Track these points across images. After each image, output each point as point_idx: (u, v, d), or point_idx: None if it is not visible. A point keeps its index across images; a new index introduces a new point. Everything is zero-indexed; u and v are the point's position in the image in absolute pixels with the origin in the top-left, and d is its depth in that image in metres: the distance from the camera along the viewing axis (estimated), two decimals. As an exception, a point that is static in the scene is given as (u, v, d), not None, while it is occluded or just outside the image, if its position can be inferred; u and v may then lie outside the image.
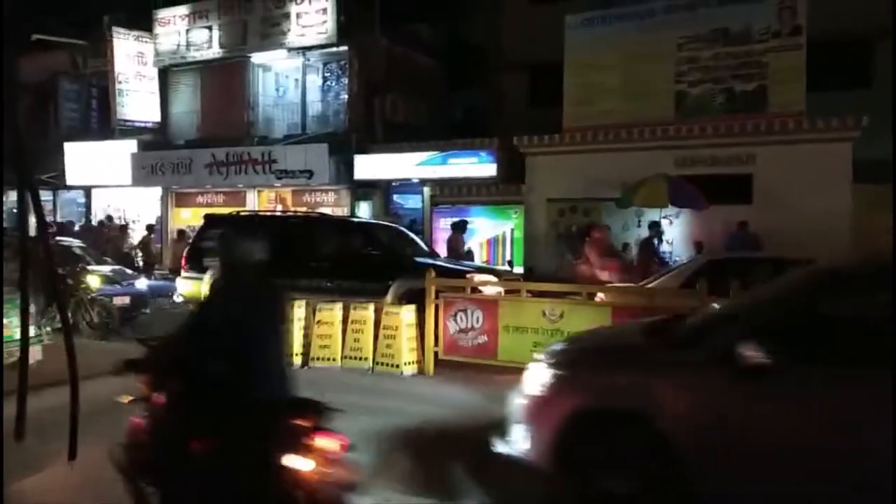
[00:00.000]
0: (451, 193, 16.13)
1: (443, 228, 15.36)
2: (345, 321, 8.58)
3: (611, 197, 13.34)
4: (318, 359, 8.51)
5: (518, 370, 7.87)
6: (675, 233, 13.40)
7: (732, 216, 12.41)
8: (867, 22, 13.68)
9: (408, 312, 8.27)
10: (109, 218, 19.18)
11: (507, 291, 9.02)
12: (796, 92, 12.80)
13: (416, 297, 8.60)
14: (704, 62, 13.70)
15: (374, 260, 9.93)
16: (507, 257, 15.31)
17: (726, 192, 12.62)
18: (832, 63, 13.32)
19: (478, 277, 9.47)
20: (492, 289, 9.06)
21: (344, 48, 17.22)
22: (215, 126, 19.08)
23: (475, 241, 15.20)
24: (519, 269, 14.00)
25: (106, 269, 12.06)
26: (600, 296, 8.38)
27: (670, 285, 8.22)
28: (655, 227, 12.74)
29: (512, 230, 15.51)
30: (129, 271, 12.79)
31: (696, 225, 13.12)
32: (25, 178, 4.96)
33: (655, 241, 12.68)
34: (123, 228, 17.96)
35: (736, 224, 12.27)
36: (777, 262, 8.60)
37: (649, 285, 8.98)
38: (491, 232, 15.69)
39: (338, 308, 8.63)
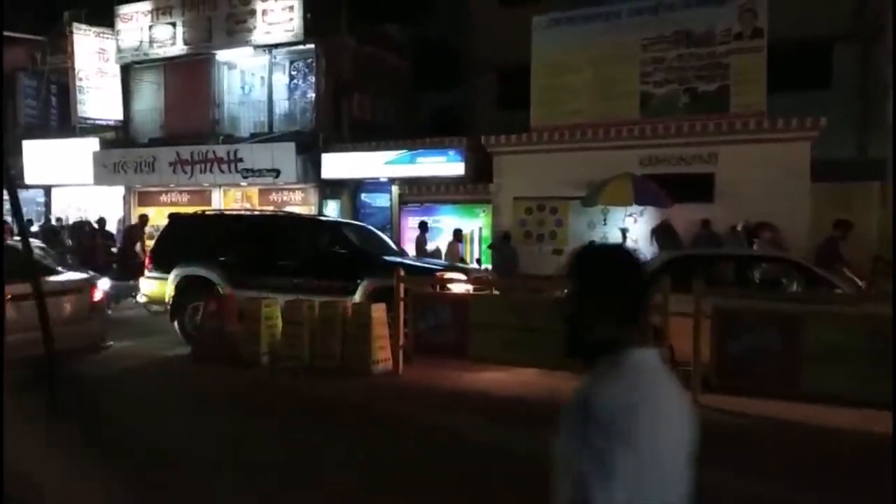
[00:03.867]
0: (420, 192, 16.15)
1: (412, 227, 15.37)
2: (313, 320, 8.54)
3: (577, 195, 13.49)
4: (286, 357, 8.46)
5: (488, 367, 8.00)
6: (640, 231, 13.59)
7: (695, 214, 12.66)
8: (826, 25, 14.07)
9: (378, 310, 8.27)
10: (59, 220, 18.70)
11: (475, 289, 9.07)
12: (757, 92, 13.09)
13: (385, 296, 8.60)
14: (669, 63, 13.92)
15: (343, 259, 9.89)
16: (476, 255, 15.38)
17: (689, 191, 12.86)
18: (792, 64, 13.65)
19: (447, 276, 9.50)
20: (460, 286, 9.10)
21: (311, 46, 17.10)
22: (180, 124, 18.80)
23: (443, 240, 15.23)
24: (487, 267, 14.07)
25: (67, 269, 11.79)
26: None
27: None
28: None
29: (480, 228, 15.59)
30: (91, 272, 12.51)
31: (660, 223, 13.31)
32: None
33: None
34: (82, 226, 17.51)
35: (699, 222, 12.51)
36: (738, 259, 8.80)
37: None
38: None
39: (305, 307, 8.58)
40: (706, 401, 6.69)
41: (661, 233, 12.66)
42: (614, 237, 13.71)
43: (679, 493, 1.51)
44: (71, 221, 18.54)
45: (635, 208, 13.00)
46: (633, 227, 13.49)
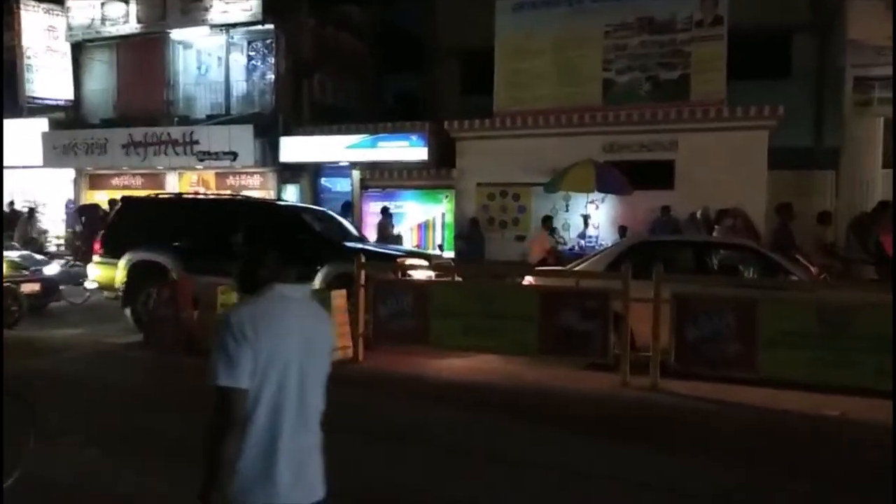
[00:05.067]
0: (382, 177, 15.96)
1: (373, 213, 15.20)
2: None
3: (540, 181, 13.46)
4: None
5: (449, 354, 7.93)
6: (601, 217, 13.66)
7: (656, 201, 12.75)
8: (786, 15, 14.25)
9: (337, 297, 8.11)
10: (11, 204, 18.01)
11: (437, 275, 8.98)
12: (718, 81, 13.21)
13: (345, 282, 8.45)
14: (631, 50, 13.95)
15: (302, 244, 9.69)
16: (438, 241, 15.29)
17: (650, 178, 12.95)
18: (752, 53, 13.80)
19: (408, 262, 9.40)
20: (422, 273, 9.00)
21: (270, 26, 16.69)
22: (133, 105, 18.23)
23: (405, 226, 15.11)
24: (450, 254, 13.99)
25: (13, 254, 11.37)
26: (528, 279, 8.45)
27: (597, 268, 8.34)
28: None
29: (443, 214, 15.49)
30: (38, 257, 12.09)
31: (622, 210, 13.41)
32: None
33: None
34: (31, 212, 16.98)
35: (659, 208, 12.61)
36: (697, 245, 8.87)
37: (576, 268, 9.10)
38: (422, 216, 15.61)
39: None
40: (665, 385, 6.73)
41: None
42: (576, 223, 13.77)
43: (294, 394, 2.08)
44: (21, 206, 17.84)
45: (597, 195, 13.04)
46: (594, 214, 13.55)
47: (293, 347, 2.09)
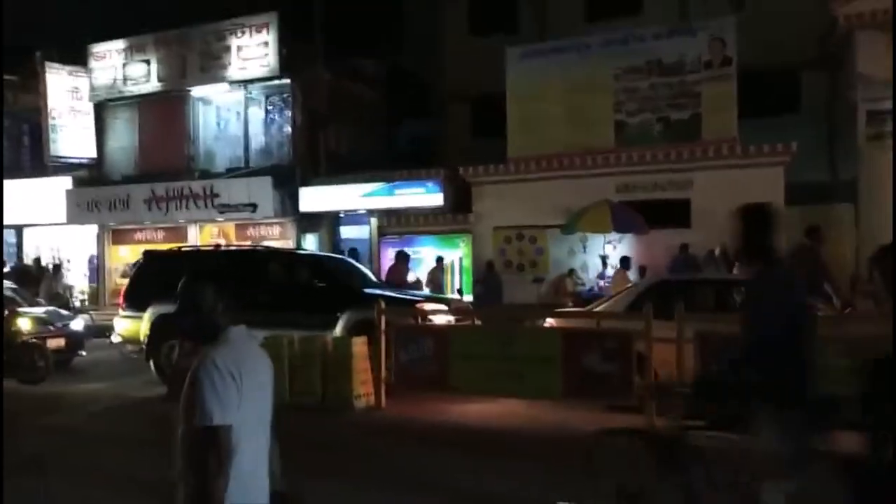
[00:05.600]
0: (399, 223, 16.12)
1: (391, 259, 15.29)
2: (292, 355, 8.38)
3: (556, 224, 13.53)
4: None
5: (471, 398, 7.89)
6: (619, 257, 13.63)
7: (673, 240, 12.74)
8: (794, 52, 14.42)
9: (359, 344, 8.14)
10: (38, 261, 18.34)
11: (457, 319, 8.99)
12: (728, 119, 13.33)
13: (366, 328, 8.48)
14: (641, 93, 14.15)
15: (322, 292, 9.77)
16: (457, 286, 15.32)
17: (666, 217, 12.97)
18: (762, 91, 13.93)
19: (427, 307, 9.42)
20: (442, 317, 9.02)
21: (286, 81, 17.13)
22: (154, 161, 18.65)
23: (423, 271, 15.16)
24: (468, 297, 14.00)
25: (39, 310, 11.55)
26: (549, 321, 8.44)
27: (617, 308, 8.33)
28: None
29: (460, 259, 15.56)
30: (63, 312, 12.26)
31: (639, 249, 13.40)
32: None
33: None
34: (57, 268, 17.26)
35: (678, 247, 12.58)
36: (717, 283, 8.83)
37: (597, 308, 9.08)
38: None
39: (284, 342, 8.42)
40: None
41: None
42: (594, 264, 13.76)
43: (263, 419, 2.40)
44: (46, 262, 18.15)
45: (614, 235, 13.07)
46: (612, 254, 13.54)
47: (260, 383, 2.38)
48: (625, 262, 12.58)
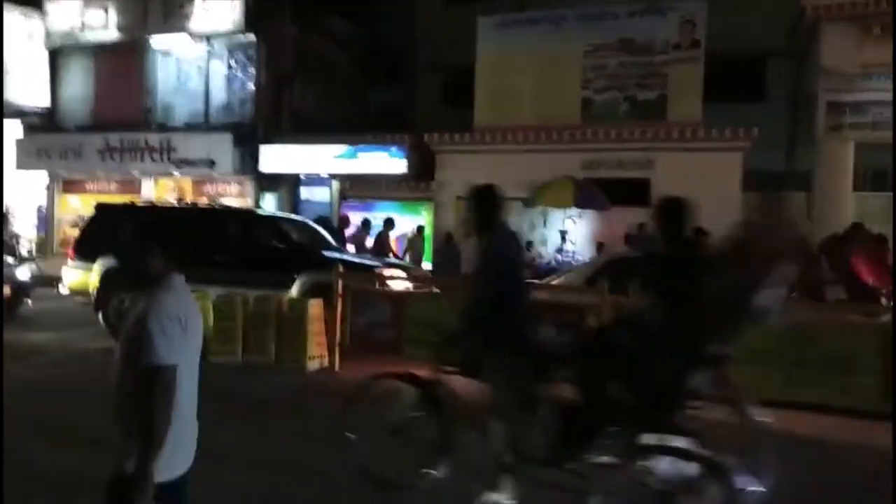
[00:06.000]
0: (361, 188, 15.96)
1: (352, 224, 15.14)
2: (246, 314, 8.28)
3: (518, 196, 13.53)
4: (217, 352, 8.17)
5: (425, 364, 7.89)
6: (578, 233, 13.78)
7: (632, 218, 12.88)
8: (761, 40, 14.58)
9: (314, 306, 8.08)
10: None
11: (415, 286, 8.98)
12: (694, 102, 13.46)
13: (322, 292, 8.41)
14: (610, 70, 14.18)
15: (280, 253, 9.64)
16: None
17: (627, 195, 13.10)
18: (728, 77, 14.08)
19: (386, 272, 9.39)
20: (400, 284, 9.00)
21: (251, 36, 16.67)
22: (110, 111, 18.04)
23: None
24: (428, 266, 13.99)
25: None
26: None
27: (574, 283, 8.41)
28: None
29: (422, 227, 15.48)
30: (9, 260, 11.86)
31: (598, 226, 13.54)
32: None
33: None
34: (3, 216, 16.66)
35: (635, 226, 12.74)
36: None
37: (554, 282, 9.16)
38: (400, 228, 15.59)
39: (238, 301, 8.31)
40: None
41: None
42: (553, 239, 13.87)
43: (195, 366, 2.49)
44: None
45: (574, 211, 13.17)
46: (571, 229, 13.67)
47: (196, 331, 2.47)
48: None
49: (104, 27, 17.86)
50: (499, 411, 4.03)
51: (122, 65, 18.11)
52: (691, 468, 3.28)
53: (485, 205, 4.28)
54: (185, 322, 2.36)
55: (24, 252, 14.69)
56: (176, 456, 2.35)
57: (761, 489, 3.85)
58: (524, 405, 3.94)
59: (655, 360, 3.49)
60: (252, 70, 17.05)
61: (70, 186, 18.76)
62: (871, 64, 12.20)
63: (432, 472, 4.22)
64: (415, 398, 4.38)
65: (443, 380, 4.36)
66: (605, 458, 3.54)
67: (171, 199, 16.34)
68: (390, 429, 4.28)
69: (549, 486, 3.66)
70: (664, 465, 3.38)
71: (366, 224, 14.14)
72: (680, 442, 3.40)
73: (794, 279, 3.99)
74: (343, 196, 16.16)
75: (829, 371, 6.39)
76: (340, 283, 8.09)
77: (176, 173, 16.84)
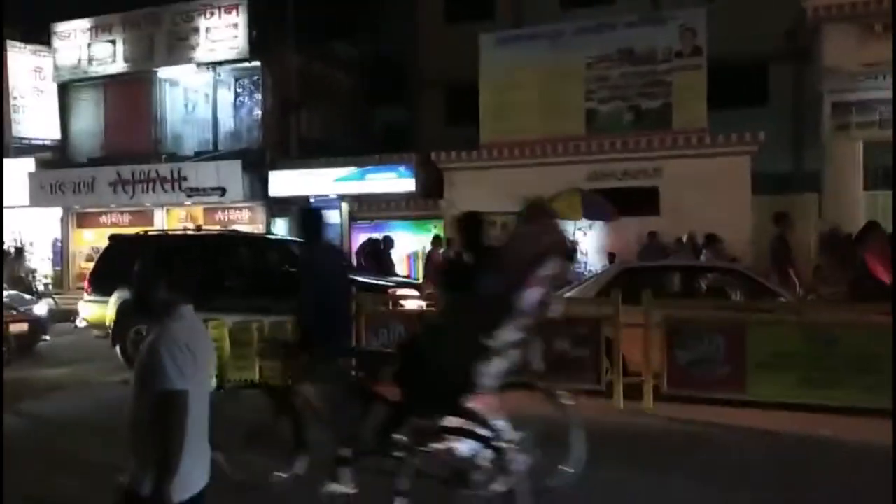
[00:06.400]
0: (370, 209, 16.05)
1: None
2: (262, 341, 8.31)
3: (527, 211, 13.57)
4: (234, 380, 8.20)
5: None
6: (589, 244, 13.77)
7: (642, 227, 12.89)
8: (763, 44, 14.61)
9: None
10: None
11: (428, 305, 8.98)
12: (698, 109, 13.48)
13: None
14: (612, 81, 14.23)
15: (292, 277, 9.69)
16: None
17: (636, 205, 13.12)
18: (731, 82, 14.10)
19: (399, 292, 9.42)
20: (413, 303, 9.02)
21: (256, 64, 16.89)
22: (120, 143, 18.30)
23: (395, 256, 15.11)
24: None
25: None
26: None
27: (587, 294, 8.40)
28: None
29: (438, 236, 15.51)
30: (26, 297, 12.01)
31: (609, 236, 13.54)
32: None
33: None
34: (19, 252, 16.88)
35: (646, 234, 12.75)
36: (685, 270, 8.96)
37: (566, 294, 9.15)
38: (411, 247, 15.66)
39: (254, 328, 8.35)
40: (659, 409, 6.75)
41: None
42: (564, 251, 13.83)
43: (205, 396, 2.58)
44: (8, 246, 17.71)
45: (584, 222, 13.17)
46: (582, 241, 13.66)
47: (206, 361, 2.57)
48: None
49: (111, 60, 18.15)
50: (332, 409, 4.49)
51: (131, 97, 18.38)
52: (480, 447, 3.79)
53: (307, 223, 4.92)
54: (195, 350, 2.46)
55: (40, 287, 14.82)
56: (190, 476, 2.44)
57: (569, 470, 4.41)
58: (352, 402, 4.40)
59: (446, 353, 3.93)
60: (258, 97, 17.26)
61: (84, 220, 18.97)
62: (874, 63, 12.19)
63: (283, 472, 4.55)
64: (270, 405, 4.72)
65: (295, 387, 4.74)
66: (413, 442, 3.93)
67: (189, 225, 16.52)
68: (248, 436, 4.59)
69: (381, 473, 3.99)
70: (460, 446, 3.86)
71: (375, 244, 14.21)
72: (472, 424, 3.84)
73: (563, 277, 4.61)
74: (353, 217, 16.25)
75: (851, 372, 6.33)
76: (354, 304, 8.11)
77: (188, 202, 17.00)
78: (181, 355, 2.39)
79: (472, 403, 3.96)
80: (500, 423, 3.99)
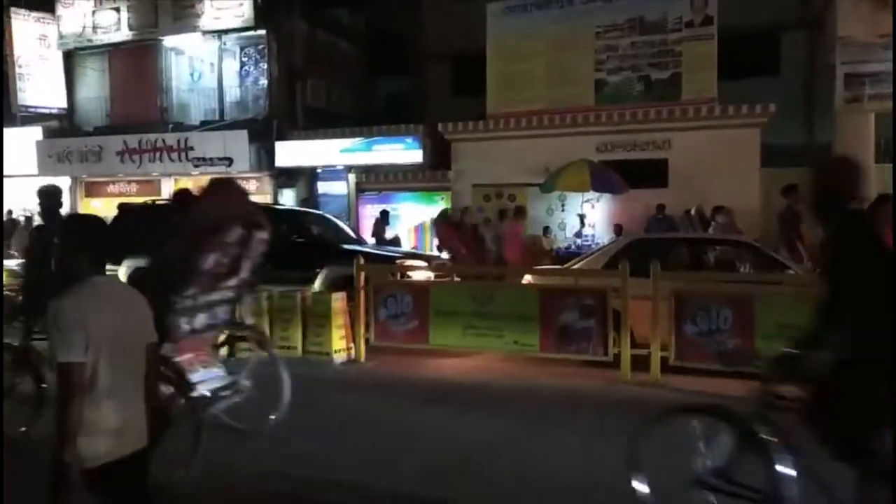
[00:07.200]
0: (377, 180, 16.03)
1: (370, 216, 15.24)
2: (271, 310, 8.39)
3: (535, 182, 13.55)
4: (243, 349, 8.28)
5: (451, 354, 8.00)
6: (597, 216, 13.75)
7: (651, 199, 12.84)
8: (775, 13, 14.39)
9: (337, 300, 8.17)
10: (9, 213, 17.95)
11: (436, 276, 9.04)
12: (708, 79, 13.33)
13: (344, 284, 8.50)
14: (622, 51, 14.06)
15: (301, 248, 9.75)
16: (435, 243, 15.31)
17: (644, 177, 13.05)
18: (742, 52, 13.92)
19: (407, 263, 9.46)
20: (421, 274, 9.07)
21: (262, 32, 16.75)
22: (127, 112, 18.25)
23: (402, 228, 15.16)
24: (446, 255, 14.03)
25: (12, 263, 11.37)
26: (528, 278, 8.53)
27: (594, 266, 8.42)
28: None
29: (445, 210, 15.49)
30: (36, 265, 12.06)
31: (617, 208, 13.51)
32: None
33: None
34: (28, 221, 16.93)
35: (654, 207, 12.70)
36: (693, 242, 8.96)
37: (574, 266, 9.18)
38: (418, 218, 15.67)
39: (263, 297, 8.42)
40: (666, 381, 6.81)
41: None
42: (572, 223, 13.86)
43: (138, 356, 2.62)
44: (17, 215, 17.78)
45: (592, 194, 13.14)
46: (590, 213, 13.65)
47: (114, 322, 2.52)
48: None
49: (116, 28, 18.02)
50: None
51: (136, 65, 18.29)
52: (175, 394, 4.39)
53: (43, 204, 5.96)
54: (95, 321, 2.44)
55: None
56: (96, 444, 2.45)
57: (272, 417, 5.09)
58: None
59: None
60: (264, 66, 17.14)
61: (92, 189, 19.01)
62: (887, 34, 11.99)
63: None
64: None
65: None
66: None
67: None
68: None
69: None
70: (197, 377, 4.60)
71: (384, 215, 14.22)
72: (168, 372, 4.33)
73: (249, 245, 4.99)
74: (360, 188, 16.24)
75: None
76: (362, 274, 8.16)
77: (194, 172, 17.00)
78: (65, 326, 2.39)
79: (174, 355, 4.51)
80: (202, 373, 4.73)
